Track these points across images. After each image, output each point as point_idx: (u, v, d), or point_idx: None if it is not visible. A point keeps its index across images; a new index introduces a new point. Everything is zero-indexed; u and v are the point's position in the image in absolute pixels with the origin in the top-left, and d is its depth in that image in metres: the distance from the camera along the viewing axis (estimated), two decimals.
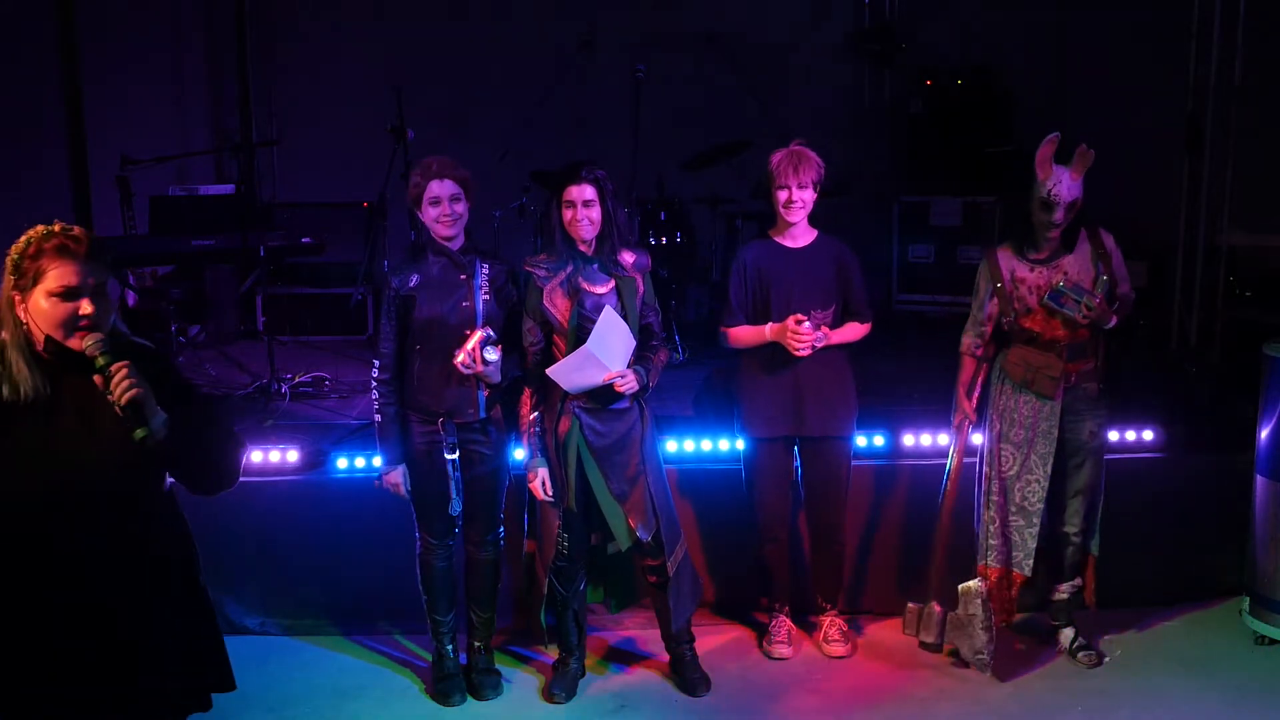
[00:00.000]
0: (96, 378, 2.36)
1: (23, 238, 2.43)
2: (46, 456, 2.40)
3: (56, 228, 2.43)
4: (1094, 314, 4.02)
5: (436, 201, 3.90)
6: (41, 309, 2.39)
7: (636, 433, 4.05)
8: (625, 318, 3.94)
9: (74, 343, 2.39)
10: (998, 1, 7.95)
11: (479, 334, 3.84)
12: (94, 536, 2.44)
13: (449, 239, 3.96)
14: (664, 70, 6.88)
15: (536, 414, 4.03)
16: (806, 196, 4.19)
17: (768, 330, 4.19)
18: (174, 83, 8.25)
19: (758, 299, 4.29)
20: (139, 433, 2.35)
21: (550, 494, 4.02)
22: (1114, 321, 4.14)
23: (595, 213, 3.91)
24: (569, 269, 3.96)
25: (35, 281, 2.39)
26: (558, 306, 3.95)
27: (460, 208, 3.94)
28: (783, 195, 4.18)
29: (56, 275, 2.38)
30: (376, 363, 4.04)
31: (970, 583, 4.29)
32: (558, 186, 3.97)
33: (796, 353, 4.11)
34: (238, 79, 8.39)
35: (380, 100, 6.14)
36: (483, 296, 3.96)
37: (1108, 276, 4.13)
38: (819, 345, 4.12)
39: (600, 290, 3.98)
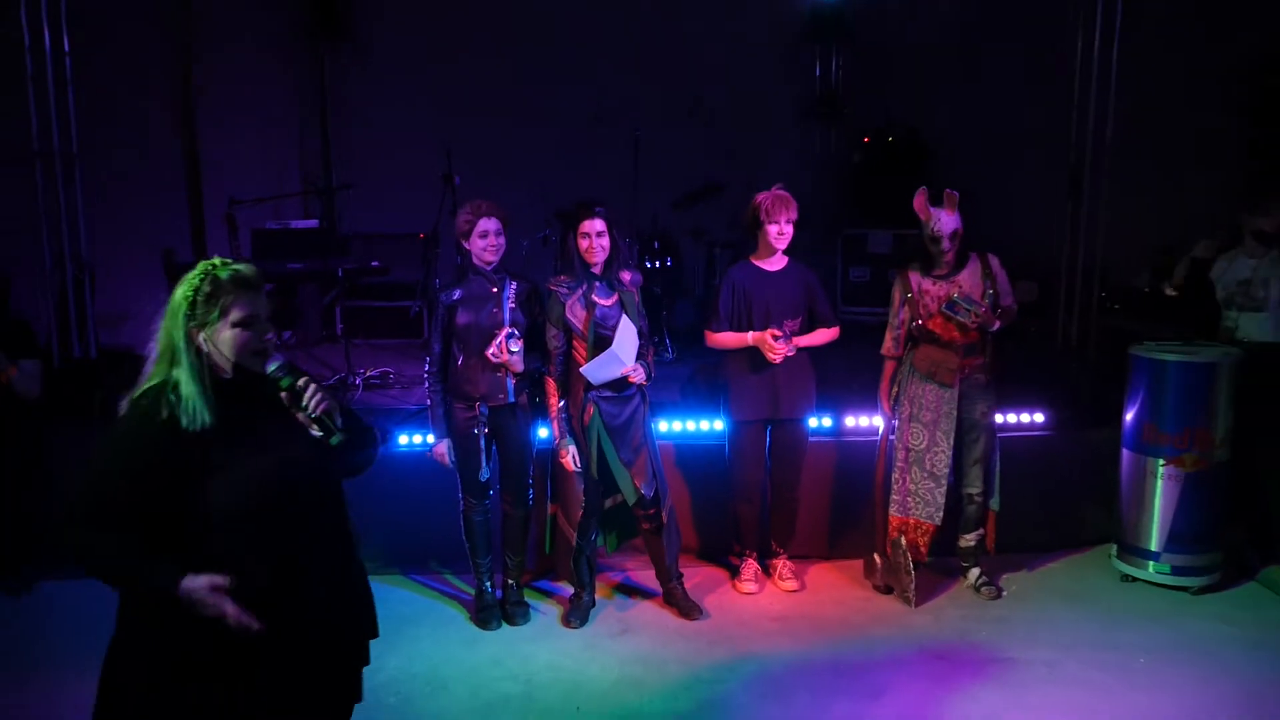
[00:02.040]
0: (284, 394, 2.17)
1: (193, 279, 2.15)
2: (268, 467, 2.15)
3: (218, 261, 2.18)
4: (980, 319, 4.09)
5: (485, 234, 3.95)
6: (227, 339, 2.13)
7: (640, 414, 4.09)
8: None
9: (253, 366, 2.17)
10: (921, 76, 7.98)
11: (504, 331, 3.90)
12: (320, 538, 2.25)
13: (490, 264, 3.99)
14: (657, 129, 6.90)
15: (563, 403, 4.07)
16: (789, 230, 4.23)
17: (750, 337, 4.23)
18: (270, 139, 8.28)
19: (741, 310, 4.31)
20: (335, 438, 2.18)
21: (579, 466, 4.06)
22: (997, 326, 4.20)
23: (605, 241, 3.96)
24: (584, 287, 4.00)
25: (222, 314, 2.13)
26: (578, 316, 3.98)
27: (501, 240, 3.99)
28: (773, 229, 4.21)
29: (242, 307, 2.14)
30: (428, 359, 4.08)
31: (898, 536, 4.33)
32: (575, 221, 4.00)
33: (771, 360, 4.17)
34: (321, 136, 8.42)
35: (433, 153, 6.15)
36: (509, 306, 4.00)
37: (993, 291, 4.19)
38: (790, 355, 4.18)
39: (606, 302, 4.01)
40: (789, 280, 4.32)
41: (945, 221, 4.14)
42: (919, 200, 4.19)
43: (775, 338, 4.14)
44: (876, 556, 4.48)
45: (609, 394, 4.01)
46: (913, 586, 4.31)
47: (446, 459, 4.09)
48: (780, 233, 4.21)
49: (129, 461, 2.08)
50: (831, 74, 8.49)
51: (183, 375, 2.11)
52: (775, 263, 4.33)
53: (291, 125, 8.53)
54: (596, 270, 3.99)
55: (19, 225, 5.68)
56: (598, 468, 4.04)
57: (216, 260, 2.20)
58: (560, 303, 4.01)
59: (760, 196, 4.22)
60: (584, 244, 3.96)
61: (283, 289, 6.88)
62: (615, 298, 4.03)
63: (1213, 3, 6.47)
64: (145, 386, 2.14)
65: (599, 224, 3.95)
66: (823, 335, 4.35)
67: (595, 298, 4.00)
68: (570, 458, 4.05)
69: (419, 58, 8.18)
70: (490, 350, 3.90)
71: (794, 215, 4.21)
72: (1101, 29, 5.70)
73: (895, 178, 7.60)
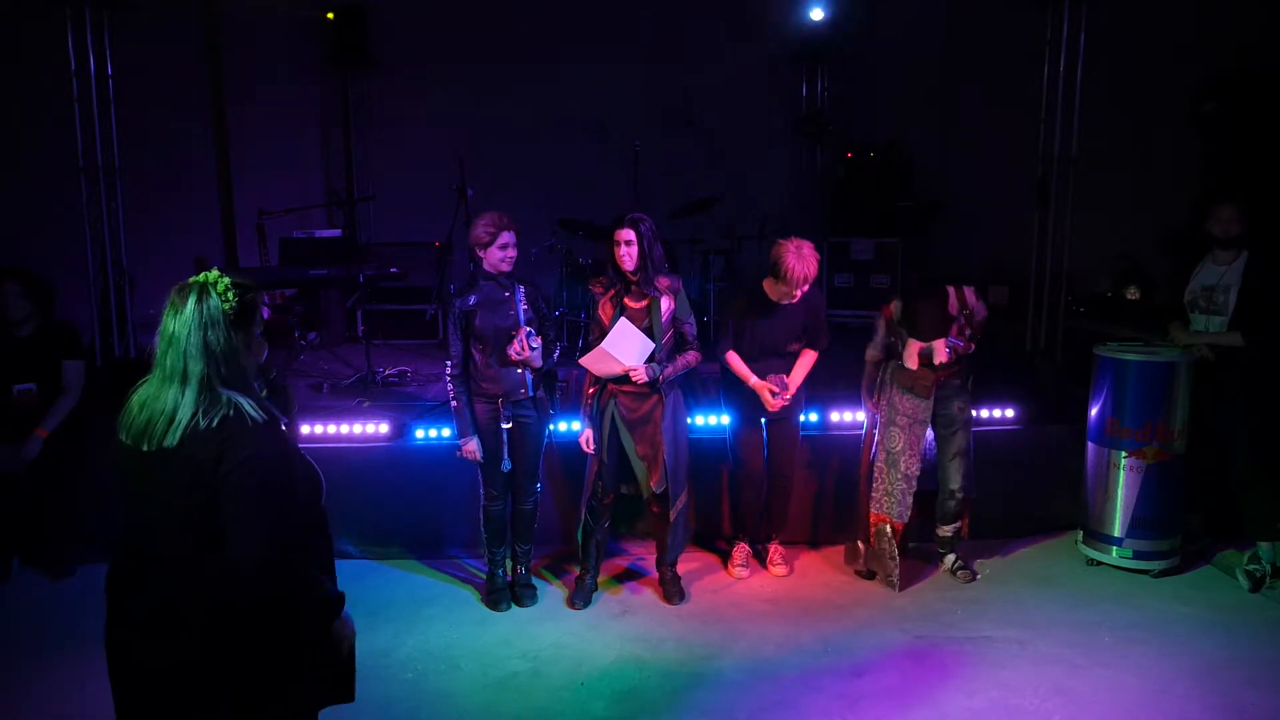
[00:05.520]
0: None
1: (229, 290, 1.97)
2: (314, 472, 2.17)
3: (217, 275, 1.98)
4: (960, 352, 4.17)
5: (505, 246, 3.93)
6: (258, 345, 2.09)
7: (658, 412, 4.04)
8: (651, 326, 3.96)
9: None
10: (900, 95, 7.95)
11: (524, 331, 3.90)
12: None
13: (505, 272, 3.96)
14: (656, 145, 6.87)
15: (593, 390, 4.09)
16: (803, 291, 4.11)
17: (752, 382, 4.21)
18: (297, 154, 8.25)
19: (744, 331, 4.26)
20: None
21: (592, 448, 4.06)
22: (973, 348, 4.22)
23: (635, 250, 3.93)
24: (617, 288, 4.00)
25: (257, 323, 2.05)
26: (606, 313, 4.01)
27: (516, 251, 3.97)
28: (785, 289, 4.07)
29: (260, 313, 2.05)
30: (449, 362, 4.02)
31: (881, 525, 4.30)
32: (610, 231, 3.99)
33: (768, 408, 4.20)
34: (344, 151, 8.39)
35: (447, 167, 6.13)
36: (523, 308, 3.99)
37: (970, 329, 4.19)
38: (785, 404, 4.20)
39: (637, 305, 4.00)
40: (793, 312, 4.21)
41: (939, 348, 4.14)
42: (888, 312, 4.25)
43: (773, 393, 4.17)
44: (860, 543, 4.44)
45: (628, 388, 4.00)
46: (897, 572, 4.28)
47: (477, 454, 4.03)
48: (794, 293, 4.08)
49: (294, 481, 1.97)
50: (818, 93, 8.45)
51: (249, 379, 1.99)
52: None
53: (316, 142, 8.50)
54: (630, 275, 3.98)
55: (65, 236, 5.67)
56: (613, 456, 4.06)
57: (214, 273, 2.00)
58: (595, 301, 4.06)
59: (790, 255, 3.99)
60: (617, 251, 3.96)
61: (307, 293, 6.86)
62: (646, 301, 4.00)
63: (1170, 28, 6.45)
64: (222, 406, 1.92)
65: (629, 233, 3.93)
66: (804, 367, 4.30)
67: (627, 300, 4.00)
68: (585, 441, 4.07)
69: (434, 80, 8.16)
70: (512, 349, 3.90)
71: (812, 278, 4.05)
72: (1067, 52, 5.68)
73: (875, 191, 7.59)
